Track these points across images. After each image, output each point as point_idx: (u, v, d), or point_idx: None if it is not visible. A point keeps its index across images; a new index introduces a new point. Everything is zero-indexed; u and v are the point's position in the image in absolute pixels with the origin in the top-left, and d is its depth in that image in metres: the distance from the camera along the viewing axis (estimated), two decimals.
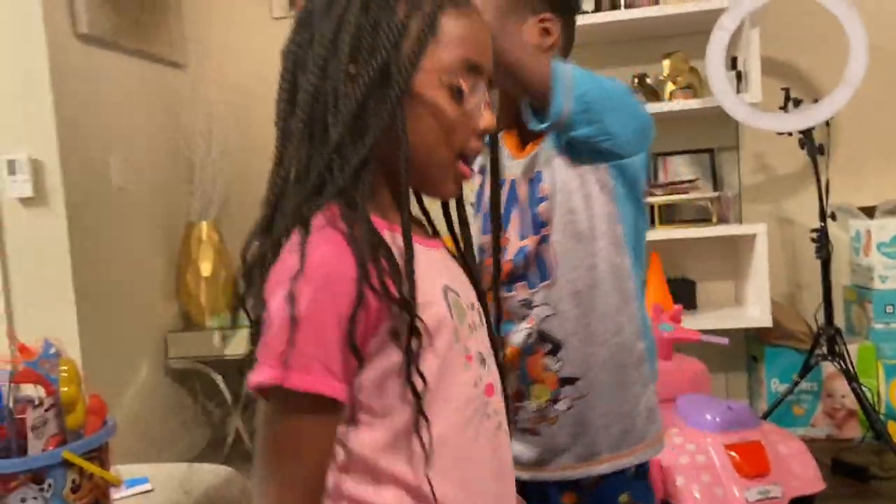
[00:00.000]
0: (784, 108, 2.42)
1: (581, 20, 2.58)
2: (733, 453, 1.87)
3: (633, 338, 1.05)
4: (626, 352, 1.05)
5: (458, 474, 0.73)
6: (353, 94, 0.70)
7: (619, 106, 1.02)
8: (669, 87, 2.65)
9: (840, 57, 2.29)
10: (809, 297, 2.69)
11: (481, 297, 0.82)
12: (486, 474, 0.76)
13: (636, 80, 2.74)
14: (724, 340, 2.13)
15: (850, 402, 2.46)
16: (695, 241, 2.71)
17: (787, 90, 2.44)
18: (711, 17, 2.39)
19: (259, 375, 0.66)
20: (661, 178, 2.84)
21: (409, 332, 0.68)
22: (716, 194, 2.65)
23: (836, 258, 2.47)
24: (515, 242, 1.07)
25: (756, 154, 2.78)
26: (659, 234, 2.58)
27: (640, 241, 1.08)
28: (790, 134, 2.41)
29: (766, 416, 2.42)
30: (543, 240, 1.05)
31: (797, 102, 2.41)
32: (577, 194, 1.03)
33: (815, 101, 2.39)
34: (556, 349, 1.05)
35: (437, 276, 0.74)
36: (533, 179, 1.07)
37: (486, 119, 0.75)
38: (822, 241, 2.35)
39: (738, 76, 2.50)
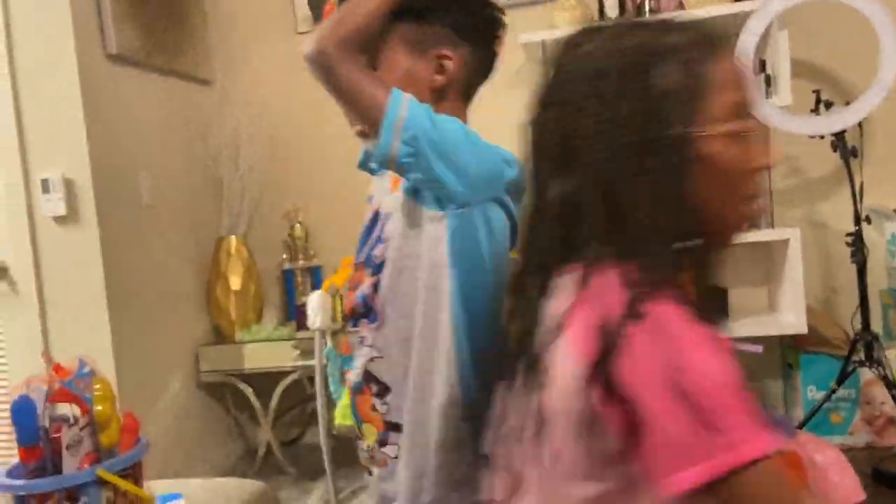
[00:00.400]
0: (815, 110, 2.38)
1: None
2: None
3: (448, 402, 0.97)
4: (442, 414, 0.98)
5: None
6: (652, 166, 0.69)
7: (453, 153, 0.93)
8: None
9: (872, 58, 2.24)
10: (845, 302, 2.63)
11: None
12: None
13: None
14: (758, 348, 2.08)
15: (890, 408, 2.39)
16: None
17: (817, 92, 2.40)
18: (739, 20, 2.36)
19: (746, 452, 0.63)
20: None
21: None
22: None
23: (872, 262, 2.41)
24: (367, 280, 1.04)
25: (788, 157, 2.73)
26: None
27: (481, 300, 0.96)
28: (822, 137, 2.36)
29: (802, 424, 2.37)
30: (378, 282, 1.01)
31: (828, 105, 2.36)
32: (411, 241, 0.98)
33: (847, 103, 2.34)
34: (382, 392, 1.02)
35: None
36: (390, 217, 1.03)
37: (762, 156, 0.73)
38: (858, 245, 2.30)
39: (768, 79, 2.46)
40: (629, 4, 2.54)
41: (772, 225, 2.65)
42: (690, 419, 0.63)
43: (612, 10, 2.50)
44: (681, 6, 2.51)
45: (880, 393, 2.39)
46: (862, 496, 1.85)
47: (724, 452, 0.62)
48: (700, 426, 0.62)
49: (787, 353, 2.68)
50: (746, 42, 2.29)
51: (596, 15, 2.58)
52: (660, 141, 0.69)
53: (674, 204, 0.69)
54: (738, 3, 2.43)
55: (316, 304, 2.43)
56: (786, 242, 2.46)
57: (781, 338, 2.66)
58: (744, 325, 2.52)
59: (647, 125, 0.69)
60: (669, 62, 0.71)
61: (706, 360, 0.64)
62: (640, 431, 0.64)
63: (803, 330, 2.42)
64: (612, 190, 0.70)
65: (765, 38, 2.40)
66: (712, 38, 0.75)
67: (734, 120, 0.71)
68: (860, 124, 2.35)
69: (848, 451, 2.37)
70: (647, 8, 2.51)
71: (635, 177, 0.69)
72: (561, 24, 2.55)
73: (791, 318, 2.47)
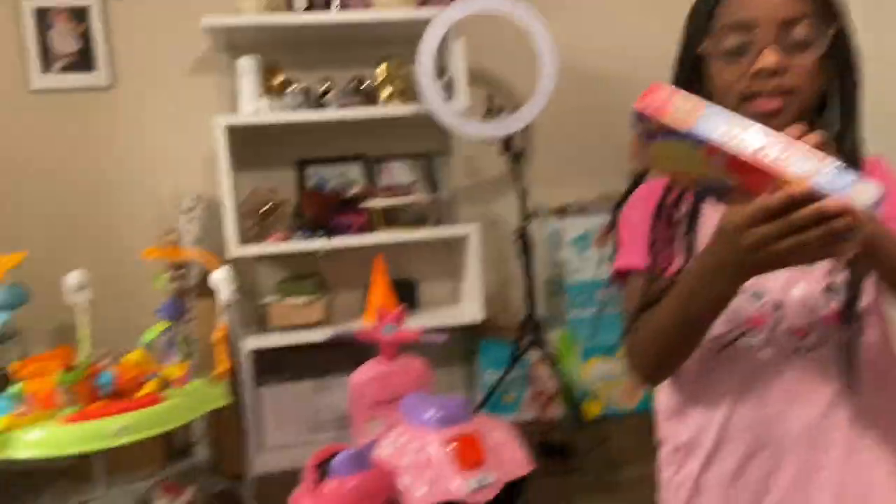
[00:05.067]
0: (487, 115, 2.58)
1: (295, 18, 2.53)
2: (451, 447, 1.94)
3: None
4: None
5: None
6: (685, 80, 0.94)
7: None
8: (386, 91, 2.69)
9: (536, 70, 2.50)
10: (517, 291, 2.91)
11: None
12: None
13: (354, 83, 2.74)
14: (442, 338, 2.21)
15: (553, 385, 2.70)
16: (415, 244, 2.79)
17: (489, 99, 2.61)
18: (421, 25, 2.47)
19: None
20: (383, 182, 2.88)
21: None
22: (432, 197, 2.75)
23: (536, 254, 2.70)
24: None
25: (467, 158, 2.94)
26: (382, 237, 2.61)
27: None
28: (495, 141, 2.57)
29: (480, 406, 2.57)
30: None
31: (499, 110, 2.58)
32: None
33: (515, 109, 2.58)
34: None
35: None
36: None
37: (760, 61, 0.86)
38: (524, 239, 2.55)
39: (447, 84, 2.61)
40: None
41: (454, 221, 2.83)
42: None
43: (301, 1, 2.45)
44: (368, 4, 2.55)
45: (545, 372, 2.68)
46: (531, 467, 2.05)
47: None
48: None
49: (468, 340, 2.88)
50: (427, 46, 2.40)
51: (283, 4, 2.51)
52: (685, 60, 0.93)
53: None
54: (420, 9, 2.54)
55: None
56: (466, 238, 2.64)
57: (463, 327, 2.86)
58: (431, 317, 2.66)
59: (681, 47, 0.94)
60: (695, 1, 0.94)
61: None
62: None
63: (481, 319, 2.63)
64: None
65: (444, 44, 2.54)
66: None
67: (728, 38, 0.88)
68: (525, 129, 2.60)
69: (520, 426, 2.63)
70: (336, 2, 2.51)
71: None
72: (247, 10, 2.44)
73: (471, 309, 2.66)
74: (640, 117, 0.64)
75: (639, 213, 0.97)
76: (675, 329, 0.84)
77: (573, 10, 2.96)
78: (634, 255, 0.96)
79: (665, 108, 0.63)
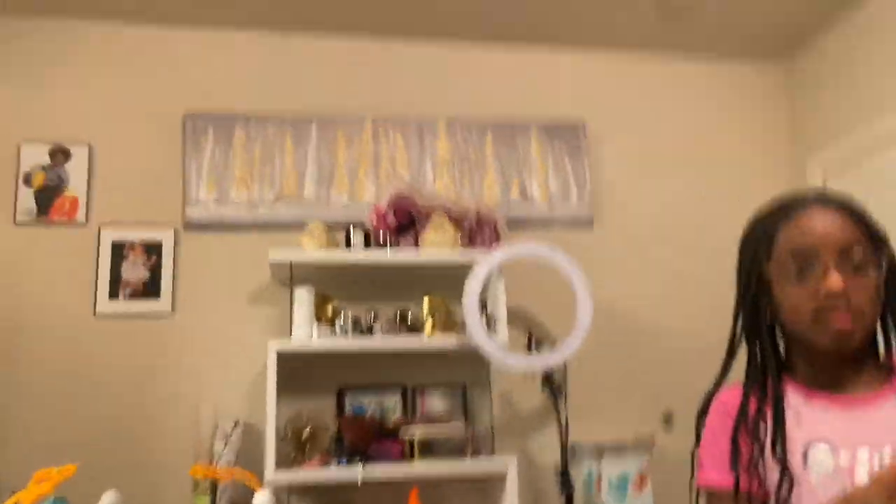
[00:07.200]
0: (529, 349, 2.67)
1: (353, 256, 2.70)
2: None
3: None
4: None
5: None
6: (744, 301, 1.09)
7: None
8: (429, 323, 2.82)
9: (572, 309, 2.63)
10: None
11: None
12: None
13: (398, 315, 2.88)
14: None
15: None
16: (450, 478, 2.73)
17: (530, 334, 2.72)
18: (465, 266, 2.66)
19: None
20: (419, 411, 2.89)
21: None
22: (470, 428, 2.75)
23: (574, 494, 2.62)
24: None
25: (504, 392, 2.98)
26: (419, 467, 2.57)
27: None
28: (534, 375, 2.63)
29: None
30: None
31: (539, 345, 2.68)
32: None
33: (553, 345, 2.68)
34: None
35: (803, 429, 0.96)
36: None
37: (828, 284, 0.93)
38: (565, 480, 2.50)
39: (488, 320, 2.74)
40: (373, 239, 2.75)
41: (491, 454, 2.80)
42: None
43: (359, 240, 2.68)
44: (416, 244, 2.77)
45: None
46: None
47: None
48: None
49: None
50: (472, 286, 2.57)
51: (343, 244, 2.74)
52: (748, 282, 1.03)
53: (761, 326, 1.03)
54: (466, 251, 2.75)
55: None
56: (503, 473, 2.59)
57: None
58: None
59: (743, 270, 1.05)
60: (751, 227, 1.07)
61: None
62: None
63: None
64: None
65: (486, 283, 2.72)
66: (786, 206, 1.03)
67: (791, 263, 0.97)
68: (564, 365, 2.67)
69: None
70: (388, 243, 2.73)
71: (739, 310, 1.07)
72: (307, 246, 2.66)
73: None
74: None
75: (719, 422, 1.01)
76: None
77: (608, 260, 3.18)
78: (718, 471, 0.98)
79: None
